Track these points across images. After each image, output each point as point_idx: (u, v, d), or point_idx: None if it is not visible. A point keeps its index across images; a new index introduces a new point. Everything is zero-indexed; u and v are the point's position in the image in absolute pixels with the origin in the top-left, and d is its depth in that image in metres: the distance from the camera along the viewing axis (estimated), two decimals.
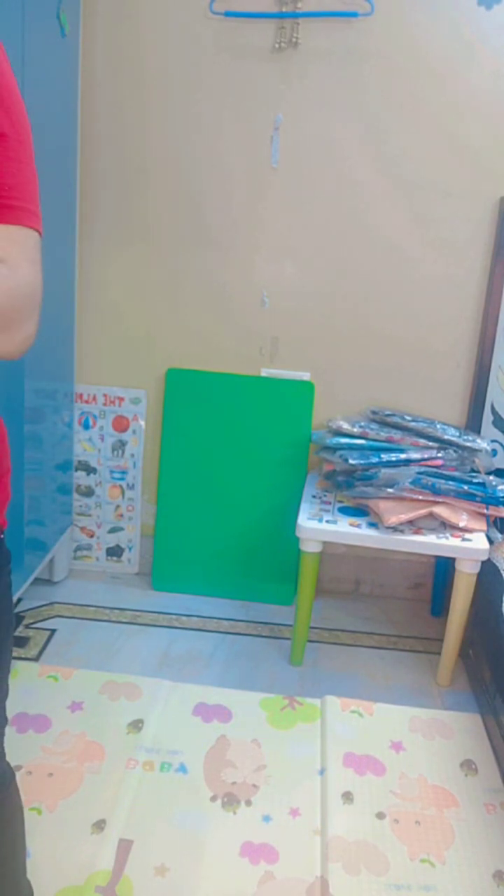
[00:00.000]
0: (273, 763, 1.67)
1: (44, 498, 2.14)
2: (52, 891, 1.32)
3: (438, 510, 1.95)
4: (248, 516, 2.35)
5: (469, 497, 1.98)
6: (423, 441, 2.09)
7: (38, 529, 2.11)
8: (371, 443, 2.09)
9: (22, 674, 1.91)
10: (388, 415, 2.18)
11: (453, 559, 1.94)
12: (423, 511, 1.94)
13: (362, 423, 2.14)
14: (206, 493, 2.35)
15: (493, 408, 2.21)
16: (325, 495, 2.14)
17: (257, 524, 2.34)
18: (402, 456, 2.04)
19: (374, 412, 2.22)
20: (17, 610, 2.21)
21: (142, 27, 2.11)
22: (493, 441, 2.20)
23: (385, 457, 2.03)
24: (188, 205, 2.22)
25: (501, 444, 2.22)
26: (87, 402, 2.39)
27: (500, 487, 1.99)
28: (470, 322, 2.22)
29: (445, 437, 2.09)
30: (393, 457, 2.04)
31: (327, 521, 1.96)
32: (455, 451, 2.08)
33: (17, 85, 0.74)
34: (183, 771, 1.63)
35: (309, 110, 2.12)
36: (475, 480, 2.01)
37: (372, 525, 1.96)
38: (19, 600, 2.24)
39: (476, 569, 1.91)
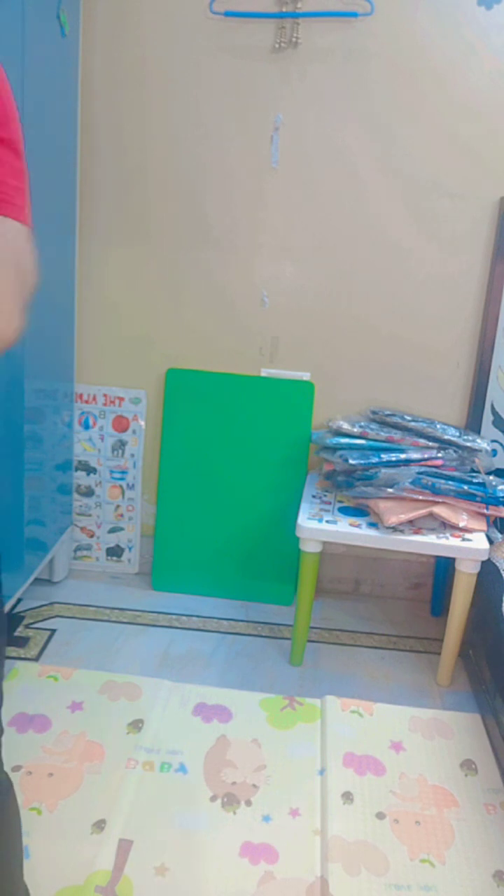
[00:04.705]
0: (273, 763, 1.67)
1: (44, 498, 2.14)
2: (52, 891, 1.32)
3: (438, 510, 1.95)
4: (248, 516, 2.35)
5: (469, 497, 1.98)
6: (423, 441, 2.09)
7: (38, 529, 2.11)
8: (371, 443, 2.09)
9: (22, 674, 1.91)
10: (388, 415, 2.18)
11: (453, 559, 1.94)
12: (423, 511, 1.94)
13: (362, 423, 2.14)
14: (206, 493, 2.35)
15: (493, 408, 2.21)
16: (325, 495, 2.14)
17: (257, 524, 2.34)
18: (402, 456, 2.04)
19: (374, 412, 2.22)
20: (17, 610, 2.22)
21: (142, 27, 2.11)
22: (493, 441, 2.20)
23: (385, 457, 2.03)
24: (188, 205, 2.22)
25: (501, 444, 2.22)
26: (87, 402, 2.39)
27: (500, 487, 1.99)
28: (470, 322, 2.22)
29: (445, 437, 2.09)
30: (393, 457, 2.04)
31: (327, 521, 1.96)
32: (455, 451, 2.08)
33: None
34: (183, 771, 1.63)
35: (309, 110, 2.12)
36: (475, 480, 2.01)
37: (372, 525, 1.96)
38: (19, 600, 2.24)
39: (476, 569, 1.91)
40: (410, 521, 1.93)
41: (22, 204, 0.77)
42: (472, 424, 2.24)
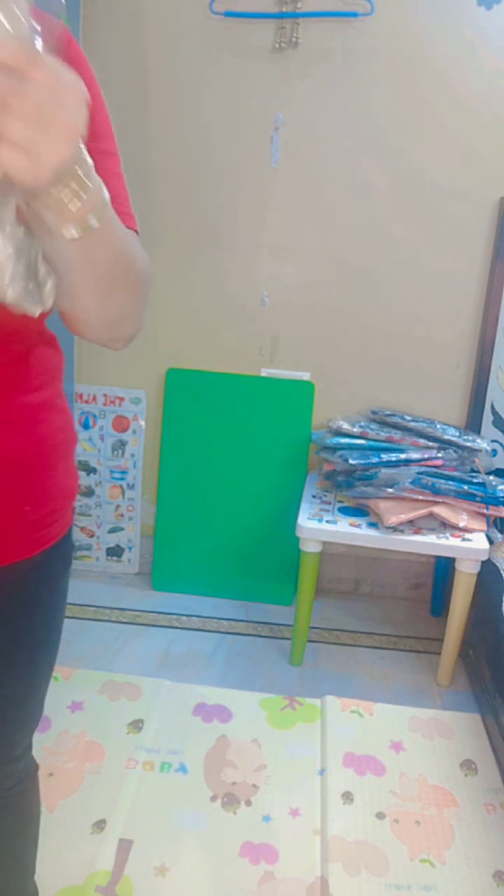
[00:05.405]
0: (273, 763, 1.68)
1: None
2: (52, 891, 1.32)
3: (438, 510, 1.95)
4: (248, 516, 2.35)
5: (469, 497, 1.98)
6: (423, 441, 2.09)
7: None
8: (371, 443, 2.09)
9: None
10: (388, 415, 2.18)
11: (453, 559, 1.94)
12: (423, 511, 1.94)
13: (362, 423, 2.14)
14: (206, 493, 2.35)
15: (493, 408, 2.21)
16: (325, 495, 2.14)
17: (257, 524, 2.34)
18: (402, 456, 2.04)
19: (374, 412, 2.22)
20: None
21: (142, 27, 2.11)
22: (493, 441, 2.20)
23: (385, 457, 2.03)
24: (188, 205, 2.22)
25: (501, 444, 2.22)
26: (87, 402, 2.39)
27: (500, 487, 2.00)
28: (470, 322, 2.22)
29: (445, 437, 2.09)
30: (393, 457, 2.04)
31: (327, 521, 1.96)
32: (455, 451, 2.08)
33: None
34: (183, 771, 1.63)
35: (309, 110, 2.12)
36: (475, 480, 2.01)
37: (372, 525, 1.96)
38: None
39: (476, 569, 1.91)
40: (410, 521, 1.93)
41: (133, 213, 0.83)
42: (472, 424, 2.25)
